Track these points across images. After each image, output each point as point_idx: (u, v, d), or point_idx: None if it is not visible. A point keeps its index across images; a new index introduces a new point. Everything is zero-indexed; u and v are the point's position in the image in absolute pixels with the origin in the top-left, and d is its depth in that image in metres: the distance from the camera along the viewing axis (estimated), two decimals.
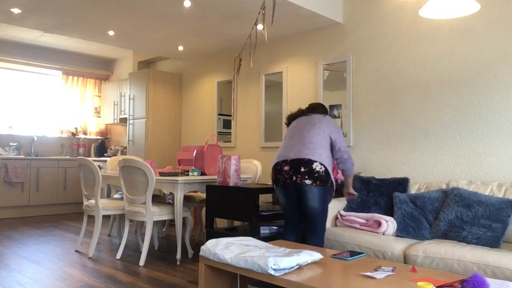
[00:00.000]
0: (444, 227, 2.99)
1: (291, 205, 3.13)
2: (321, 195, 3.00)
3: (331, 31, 4.61)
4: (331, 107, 4.61)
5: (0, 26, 5.87)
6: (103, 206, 4.10)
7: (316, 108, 3.38)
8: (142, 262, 3.73)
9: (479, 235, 2.77)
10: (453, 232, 2.91)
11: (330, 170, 3.02)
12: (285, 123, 3.45)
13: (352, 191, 3.32)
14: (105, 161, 6.76)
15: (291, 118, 3.39)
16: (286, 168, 3.03)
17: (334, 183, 3.10)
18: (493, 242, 2.72)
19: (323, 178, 2.96)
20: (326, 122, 3.19)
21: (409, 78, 3.95)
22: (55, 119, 7.50)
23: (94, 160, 6.80)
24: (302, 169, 2.96)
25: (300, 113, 3.35)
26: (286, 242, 2.75)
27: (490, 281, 1.82)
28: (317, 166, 2.96)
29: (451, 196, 3.09)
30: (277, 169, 3.10)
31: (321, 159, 2.99)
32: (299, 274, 2.02)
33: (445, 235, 2.96)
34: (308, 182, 2.95)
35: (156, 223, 4.34)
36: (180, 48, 5.74)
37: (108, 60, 8.11)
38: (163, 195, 5.03)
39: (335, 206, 3.52)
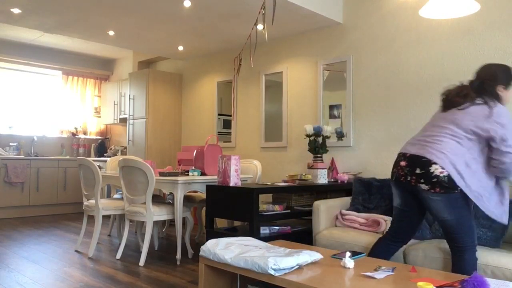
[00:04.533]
0: None
1: (401, 209, 2.57)
2: (447, 203, 2.34)
3: (331, 31, 4.61)
4: (331, 107, 4.62)
5: (0, 26, 5.87)
6: (103, 206, 4.10)
7: (482, 90, 2.41)
8: (142, 262, 3.73)
9: (479, 235, 2.76)
10: None
11: (461, 175, 2.31)
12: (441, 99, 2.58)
13: None
14: (105, 161, 6.75)
15: (444, 101, 2.54)
16: (402, 163, 2.46)
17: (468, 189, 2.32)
18: (493, 242, 2.72)
19: (444, 185, 2.29)
20: (486, 108, 2.34)
21: (409, 78, 3.95)
22: (55, 119, 7.50)
23: (94, 160, 6.80)
24: (418, 171, 2.37)
25: (457, 102, 2.44)
26: (286, 242, 2.74)
27: (490, 281, 1.82)
28: (436, 170, 2.31)
29: None
30: (396, 161, 2.54)
31: (444, 163, 2.30)
32: (299, 274, 2.02)
33: None
34: (424, 187, 2.34)
35: (156, 223, 4.34)
36: (180, 48, 5.74)
37: (108, 60, 8.11)
38: (163, 195, 5.03)
39: (336, 206, 3.52)
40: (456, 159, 2.31)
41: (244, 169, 4.59)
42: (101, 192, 4.19)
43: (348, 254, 2.24)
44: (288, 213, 3.54)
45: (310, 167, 3.97)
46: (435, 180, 2.30)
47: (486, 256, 2.46)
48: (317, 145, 4.19)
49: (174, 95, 6.52)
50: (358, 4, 4.38)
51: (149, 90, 6.25)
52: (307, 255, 2.15)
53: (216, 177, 3.96)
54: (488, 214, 2.38)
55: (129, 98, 6.57)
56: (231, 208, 3.36)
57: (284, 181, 3.86)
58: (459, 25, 3.63)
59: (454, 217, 2.34)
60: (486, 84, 2.42)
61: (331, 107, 4.61)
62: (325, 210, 3.37)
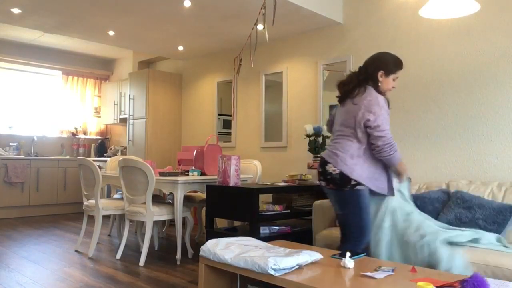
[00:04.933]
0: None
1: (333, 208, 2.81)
2: (338, 199, 2.63)
3: (331, 31, 4.61)
4: (331, 107, 4.61)
5: (0, 26, 5.87)
6: (103, 206, 4.10)
7: (359, 83, 2.63)
8: (142, 262, 3.73)
9: None
10: None
11: (354, 171, 2.52)
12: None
13: (400, 177, 2.68)
14: (105, 161, 6.75)
15: (339, 93, 2.75)
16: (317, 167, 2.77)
17: (369, 186, 2.56)
18: None
19: (337, 182, 2.56)
20: (359, 102, 2.56)
21: (409, 79, 3.94)
22: (55, 119, 7.50)
23: (94, 160, 6.78)
24: (320, 170, 2.68)
25: (345, 94, 2.69)
26: (286, 242, 2.74)
27: (490, 281, 1.82)
28: (329, 168, 2.59)
29: (453, 199, 3.10)
30: None
31: (335, 162, 2.56)
32: (299, 274, 2.02)
33: None
34: (322, 183, 2.66)
35: (156, 223, 4.34)
36: (180, 48, 5.74)
37: (108, 60, 8.11)
38: (163, 195, 5.03)
39: None
40: (345, 156, 2.56)
41: (244, 169, 4.59)
42: (101, 192, 4.19)
43: (348, 254, 2.24)
44: (288, 213, 3.54)
45: (310, 167, 3.97)
46: (329, 177, 2.60)
47: (486, 256, 2.46)
48: (317, 145, 4.19)
49: (174, 95, 6.52)
50: (358, 4, 4.37)
51: (149, 90, 6.25)
52: (307, 255, 2.15)
53: (216, 177, 3.96)
54: (381, 192, 2.61)
55: (129, 98, 6.57)
56: (231, 208, 3.36)
57: (284, 181, 3.86)
58: (459, 25, 3.63)
59: (344, 212, 2.63)
60: (368, 68, 2.67)
61: (331, 107, 4.61)
62: (325, 210, 3.37)
